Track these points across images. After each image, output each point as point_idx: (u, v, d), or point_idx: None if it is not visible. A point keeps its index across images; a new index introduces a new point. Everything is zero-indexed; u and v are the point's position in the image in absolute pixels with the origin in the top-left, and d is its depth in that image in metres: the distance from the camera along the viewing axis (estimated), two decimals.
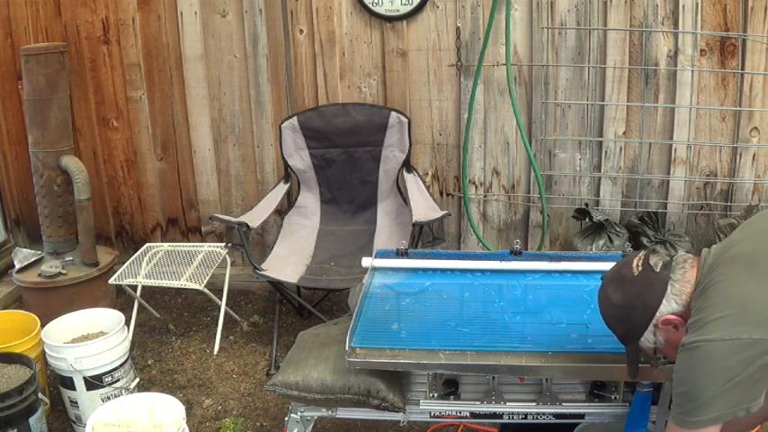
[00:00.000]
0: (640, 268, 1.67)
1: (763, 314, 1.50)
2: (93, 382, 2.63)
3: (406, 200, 3.47)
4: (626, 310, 1.67)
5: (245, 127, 3.72)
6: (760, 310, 1.50)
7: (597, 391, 2.00)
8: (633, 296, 1.66)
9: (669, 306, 1.63)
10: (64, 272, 3.35)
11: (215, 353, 3.27)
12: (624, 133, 3.38)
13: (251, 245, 3.39)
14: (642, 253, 1.72)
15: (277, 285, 3.24)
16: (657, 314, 1.63)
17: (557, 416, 2.01)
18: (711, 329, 1.52)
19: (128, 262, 3.36)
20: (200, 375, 3.11)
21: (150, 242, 3.64)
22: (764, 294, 1.52)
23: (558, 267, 2.26)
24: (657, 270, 1.65)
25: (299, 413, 2.11)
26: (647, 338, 1.67)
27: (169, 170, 3.86)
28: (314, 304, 3.54)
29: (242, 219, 3.21)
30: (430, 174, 3.65)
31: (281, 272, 3.20)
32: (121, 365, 2.71)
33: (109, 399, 2.62)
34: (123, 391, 2.66)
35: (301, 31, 3.52)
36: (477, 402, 2.01)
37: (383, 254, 2.35)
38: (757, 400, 1.51)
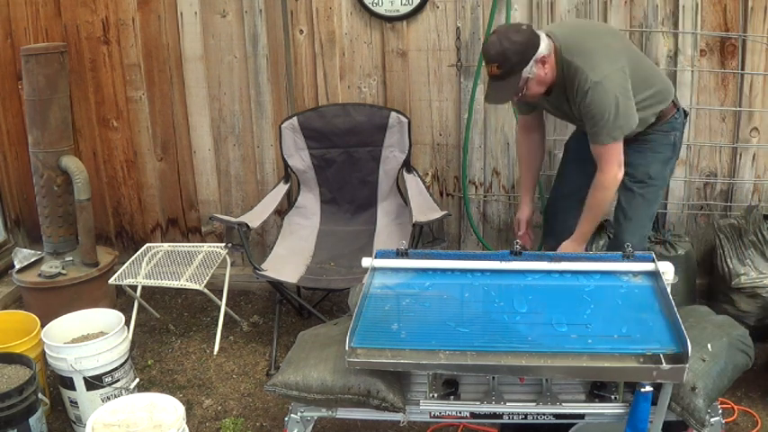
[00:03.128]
0: (524, 27, 2.47)
1: (614, 52, 2.49)
2: (93, 383, 2.63)
3: (406, 200, 3.47)
4: (523, 46, 2.42)
5: (245, 127, 3.72)
6: (612, 51, 2.49)
7: (597, 391, 2.00)
8: (527, 38, 2.43)
9: (543, 49, 2.45)
10: (64, 272, 3.35)
11: (215, 353, 3.27)
12: None
13: (251, 245, 3.39)
14: (516, 23, 2.58)
15: (277, 285, 3.24)
16: (538, 53, 2.43)
17: (557, 416, 2.01)
18: (602, 67, 2.42)
19: (128, 262, 3.36)
20: (200, 375, 3.11)
21: (150, 242, 3.64)
22: (604, 42, 2.53)
23: (558, 267, 2.26)
24: (532, 28, 2.47)
25: (299, 413, 2.11)
26: (527, 70, 2.44)
27: (169, 170, 3.86)
28: (314, 304, 3.54)
29: (242, 219, 3.21)
30: (430, 174, 3.65)
31: (281, 272, 3.20)
32: (121, 365, 2.71)
33: (109, 399, 2.62)
34: (123, 392, 2.66)
35: (301, 31, 3.52)
36: (477, 402, 2.01)
37: (383, 254, 2.35)
38: (633, 117, 2.48)
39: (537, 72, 2.46)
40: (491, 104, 2.72)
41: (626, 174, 2.67)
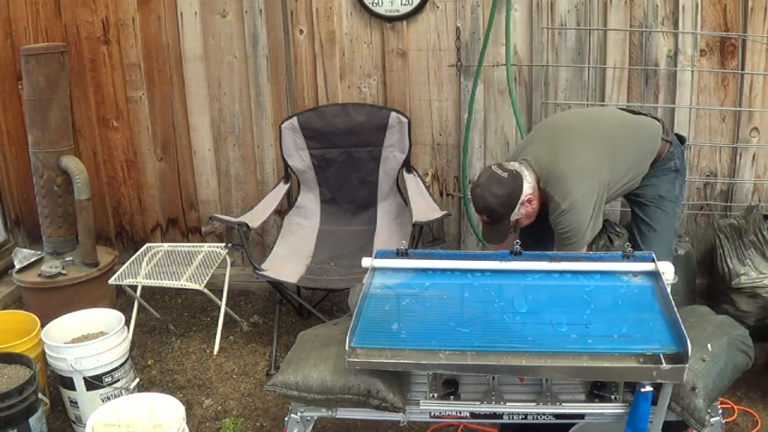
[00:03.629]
0: (504, 173, 2.51)
1: (586, 169, 2.54)
2: (93, 383, 2.63)
3: (406, 200, 3.47)
4: (507, 198, 2.50)
5: (245, 127, 3.72)
6: (585, 169, 2.55)
7: (597, 391, 2.00)
8: (510, 189, 2.50)
9: (527, 190, 2.52)
10: (64, 272, 3.35)
11: (215, 353, 3.27)
12: None
13: (251, 245, 3.39)
14: (493, 165, 2.57)
15: (277, 285, 3.24)
16: (522, 196, 2.51)
17: (557, 416, 2.01)
18: (572, 193, 2.50)
19: (128, 262, 3.36)
20: (200, 375, 3.11)
21: (150, 242, 3.64)
22: (578, 161, 2.56)
23: (558, 267, 2.26)
24: (514, 171, 2.52)
25: (299, 413, 2.11)
26: (516, 213, 2.53)
27: (169, 170, 3.86)
28: (314, 304, 3.54)
29: (242, 219, 3.21)
30: (430, 174, 3.65)
31: (281, 272, 3.20)
32: (121, 366, 2.71)
33: (109, 399, 2.62)
34: (123, 392, 2.66)
35: (301, 31, 3.52)
36: (477, 402, 2.01)
37: (383, 254, 2.35)
38: (601, 220, 2.59)
39: (524, 211, 2.55)
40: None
41: (638, 197, 2.74)
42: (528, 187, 2.52)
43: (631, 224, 3.34)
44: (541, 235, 2.70)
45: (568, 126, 2.75)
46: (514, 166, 2.56)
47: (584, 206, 2.51)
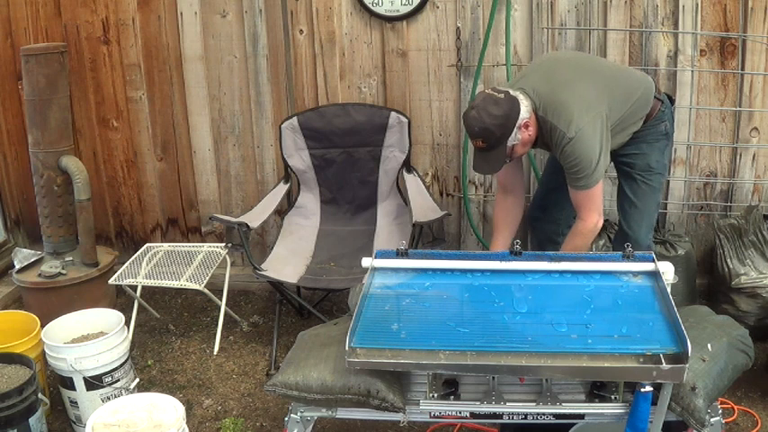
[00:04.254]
0: (500, 95, 2.42)
1: (588, 100, 2.48)
2: (93, 383, 2.63)
3: (406, 200, 3.47)
4: (504, 119, 2.41)
5: (245, 127, 3.72)
6: (587, 100, 2.48)
7: (597, 391, 2.00)
8: (507, 109, 2.41)
9: (524, 113, 2.44)
10: (64, 272, 3.35)
11: (215, 353, 3.27)
12: None
13: (251, 245, 3.39)
14: (488, 89, 2.48)
15: (277, 285, 3.24)
16: (520, 119, 2.43)
17: (557, 416, 2.01)
18: (577, 121, 2.42)
19: (128, 262, 3.36)
20: (200, 375, 3.11)
21: (150, 242, 3.64)
22: (577, 91, 2.50)
23: (558, 267, 2.26)
24: (510, 93, 2.44)
25: (299, 413, 2.11)
26: (512, 138, 2.44)
27: (169, 170, 3.86)
28: (314, 304, 3.54)
29: (242, 219, 3.21)
30: (430, 174, 3.65)
31: (281, 272, 3.20)
32: (121, 366, 2.71)
33: (109, 399, 2.62)
34: (123, 392, 2.66)
35: (301, 31, 3.52)
36: (477, 402, 2.01)
37: (383, 254, 2.35)
38: (609, 157, 2.55)
39: (521, 137, 2.47)
40: (480, 173, 2.70)
41: (628, 166, 2.70)
42: (525, 111, 2.44)
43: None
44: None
45: (565, 62, 2.73)
46: (509, 90, 2.47)
47: (591, 134, 2.44)
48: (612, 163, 2.75)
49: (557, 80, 2.55)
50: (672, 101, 2.82)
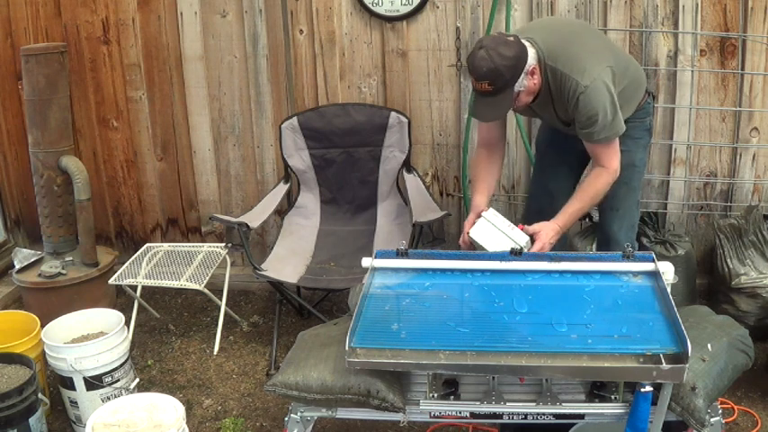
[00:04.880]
0: (511, 38, 2.35)
1: (598, 55, 2.45)
2: (93, 383, 2.63)
3: (405, 200, 3.47)
4: (515, 60, 2.32)
5: (245, 127, 3.72)
6: (597, 54, 2.45)
7: (597, 391, 2.00)
8: (518, 51, 2.33)
9: (531, 60, 2.36)
10: (64, 272, 3.35)
11: (215, 353, 3.27)
12: None
13: (251, 245, 3.39)
14: (497, 33, 2.46)
15: (277, 285, 3.24)
16: (528, 65, 2.35)
17: (557, 416, 2.00)
18: (590, 71, 2.37)
19: (128, 262, 3.36)
20: (200, 375, 3.11)
21: (150, 242, 3.64)
22: (585, 43, 2.49)
23: (558, 267, 2.26)
24: (517, 37, 2.38)
25: (299, 413, 2.11)
26: (520, 83, 2.35)
27: (169, 170, 3.86)
28: (314, 304, 3.54)
29: (242, 219, 3.22)
30: (430, 174, 3.65)
31: (281, 272, 3.20)
32: (121, 366, 2.71)
33: (109, 399, 2.62)
34: (123, 392, 2.66)
35: (301, 31, 3.52)
36: (477, 402, 2.01)
37: (383, 254, 2.35)
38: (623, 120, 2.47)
39: (527, 84, 2.37)
40: (480, 120, 2.57)
41: None
42: (532, 57, 2.35)
43: None
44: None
45: (567, 20, 2.74)
46: (517, 35, 2.40)
47: (605, 87, 2.37)
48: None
49: (563, 33, 2.50)
50: (654, 96, 2.83)
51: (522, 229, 2.46)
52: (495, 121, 2.61)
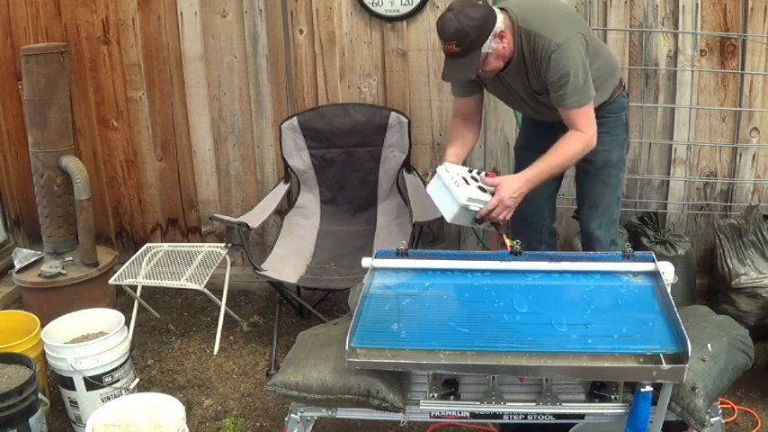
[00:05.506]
0: (480, 2, 2.37)
1: (568, 19, 2.51)
2: (93, 383, 2.63)
3: (406, 200, 3.47)
4: (482, 21, 2.34)
5: (245, 127, 3.72)
6: (566, 17, 2.52)
7: (597, 391, 2.00)
8: (485, 13, 2.35)
9: (500, 24, 2.39)
10: (64, 272, 3.35)
11: (215, 353, 3.27)
12: None
13: (251, 245, 3.39)
14: None
15: (277, 285, 3.24)
16: (495, 28, 2.38)
17: (557, 416, 2.00)
18: (563, 32, 2.39)
19: (128, 262, 3.36)
20: (200, 375, 3.11)
21: (150, 242, 3.64)
22: (558, 10, 2.57)
23: (558, 267, 2.26)
24: (487, 2, 2.40)
25: (299, 413, 2.11)
26: (487, 45, 2.38)
27: (169, 170, 3.86)
28: (314, 304, 3.54)
29: (242, 219, 3.22)
30: (430, 174, 3.65)
31: (281, 272, 3.20)
32: (121, 366, 2.71)
33: (109, 399, 2.62)
34: (123, 392, 2.66)
35: (301, 31, 3.52)
36: (477, 402, 2.01)
37: (383, 254, 2.35)
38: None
39: (496, 47, 2.40)
40: (447, 82, 2.61)
41: (586, 161, 2.64)
42: (501, 22, 2.39)
43: (631, 225, 3.36)
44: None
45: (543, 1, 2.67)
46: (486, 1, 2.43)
47: (577, 49, 2.40)
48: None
49: (537, 4, 2.55)
50: (628, 94, 2.82)
51: (488, 180, 2.43)
52: (471, 97, 2.66)
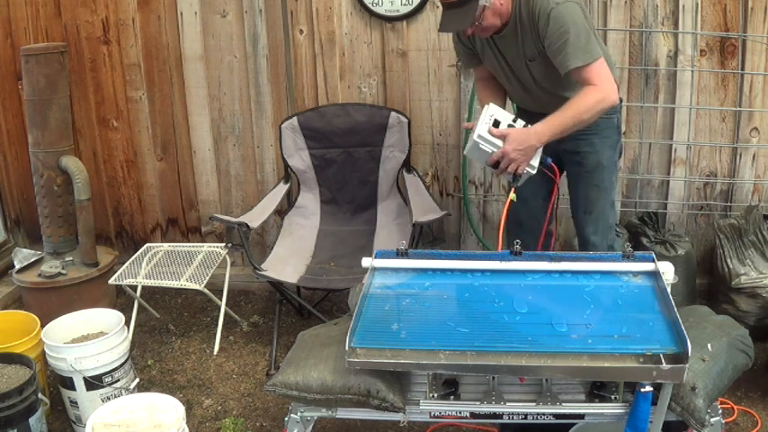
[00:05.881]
0: None
1: None
2: (93, 383, 2.63)
3: (405, 200, 3.47)
4: None
5: (245, 127, 3.72)
6: None
7: (597, 391, 2.00)
8: None
9: None
10: (64, 272, 3.35)
11: (215, 353, 3.27)
12: (624, 133, 3.37)
13: (251, 245, 3.39)
14: None
15: (277, 285, 3.24)
16: None
17: (557, 416, 2.00)
18: None
19: (128, 262, 3.36)
20: (200, 375, 3.11)
21: (150, 242, 3.64)
22: None
23: (558, 267, 2.26)
24: None
25: (299, 413, 2.11)
26: None
27: (169, 170, 3.86)
28: (314, 304, 3.54)
29: (242, 219, 3.22)
30: (430, 174, 3.65)
31: (281, 272, 3.20)
32: (121, 366, 2.71)
33: (109, 399, 2.62)
34: (123, 392, 2.66)
35: (301, 31, 3.52)
36: (477, 402, 2.01)
37: (383, 254, 2.35)
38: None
39: (493, 1, 2.36)
40: (445, 32, 2.61)
41: (578, 164, 2.65)
42: None
43: (631, 225, 3.36)
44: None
45: None
46: None
47: (576, 11, 2.34)
48: (562, 160, 2.67)
49: None
50: (621, 99, 2.77)
51: (494, 130, 2.42)
52: (483, 65, 2.64)
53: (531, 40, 2.46)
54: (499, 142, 2.42)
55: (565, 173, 2.77)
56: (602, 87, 2.36)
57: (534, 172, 2.47)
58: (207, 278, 3.22)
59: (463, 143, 3.50)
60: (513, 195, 2.40)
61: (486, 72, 2.76)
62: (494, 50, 2.61)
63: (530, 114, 2.60)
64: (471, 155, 2.51)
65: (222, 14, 3.55)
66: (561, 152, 2.65)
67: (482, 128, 2.44)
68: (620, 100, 2.75)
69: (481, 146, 2.43)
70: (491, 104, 2.52)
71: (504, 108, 2.58)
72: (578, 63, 2.34)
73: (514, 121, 2.48)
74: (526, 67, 2.55)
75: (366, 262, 2.31)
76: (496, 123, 2.45)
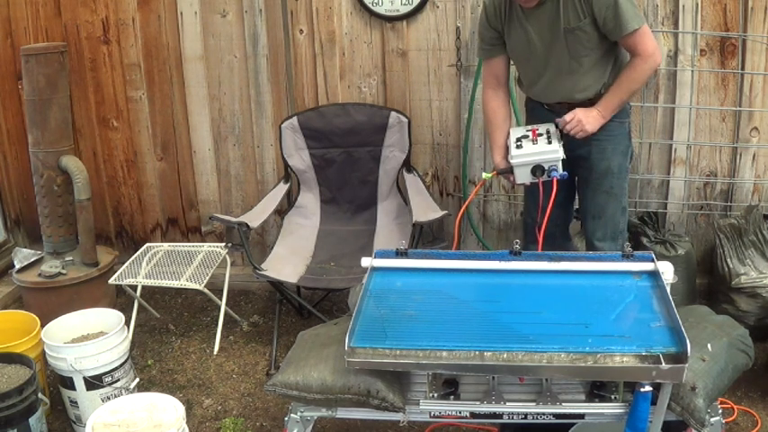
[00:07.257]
0: None
1: None
2: (93, 382, 2.63)
3: (406, 200, 3.47)
4: None
5: (245, 127, 3.72)
6: None
7: (597, 391, 2.00)
8: None
9: None
10: (64, 272, 3.35)
11: (215, 353, 3.27)
12: None
13: (251, 245, 3.39)
14: None
15: (277, 285, 3.24)
16: None
17: (557, 416, 2.00)
18: None
19: (128, 262, 3.36)
20: (200, 375, 3.11)
21: (150, 242, 3.64)
22: None
23: (558, 267, 2.26)
24: None
25: (298, 413, 2.11)
26: None
27: (169, 170, 3.86)
28: (314, 304, 3.54)
29: (242, 219, 3.22)
30: (430, 174, 3.65)
31: (281, 272, 3.20)
32: (121, 365, 2.71)
33: (109, 399, 2.63)
34: (123, 391, 2.66)
35: (301, 31, 3.52)
36: (477, 402, 2.01)
37: (383, 254, 2.35)
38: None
39: None
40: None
41: (587, 169, 2.66)
42: None
43: (631, 225, 3.35)
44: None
45: None
46: None
47: None
48: (572, 166, 2.68)
49: None
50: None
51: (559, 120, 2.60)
52: (498, 57, 2.68)
53: (578, 6, 2.45)
54: (531, 149, 2.57)
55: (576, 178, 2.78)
56: (644, 55, 2.47)
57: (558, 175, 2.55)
58: (207, 278, 3.22)
59: (463, 143, 3.51)
60: (487, 175, 2.62)
61: (496, 70, 2.74)
62: (524, 27, 2.58)
63: (538, 109, 2.71)
64: (523, 179, 2.63)
65: (222, 14, 3.55)
66: (573, 158, 2.64)
67: (513, 151, 2.60)
68: (630, 104, 2.76)
69: (520, 164, 2.58)
70: (511, 129, 2.71)
71: (509, 122, 2.79)
72: (635, 26, 2.42)
73: (528, 131, 2.64)
74: (563, 38, 2.52)
75: (366, 262, 2.31)
76: (519, 144, 2.61)
